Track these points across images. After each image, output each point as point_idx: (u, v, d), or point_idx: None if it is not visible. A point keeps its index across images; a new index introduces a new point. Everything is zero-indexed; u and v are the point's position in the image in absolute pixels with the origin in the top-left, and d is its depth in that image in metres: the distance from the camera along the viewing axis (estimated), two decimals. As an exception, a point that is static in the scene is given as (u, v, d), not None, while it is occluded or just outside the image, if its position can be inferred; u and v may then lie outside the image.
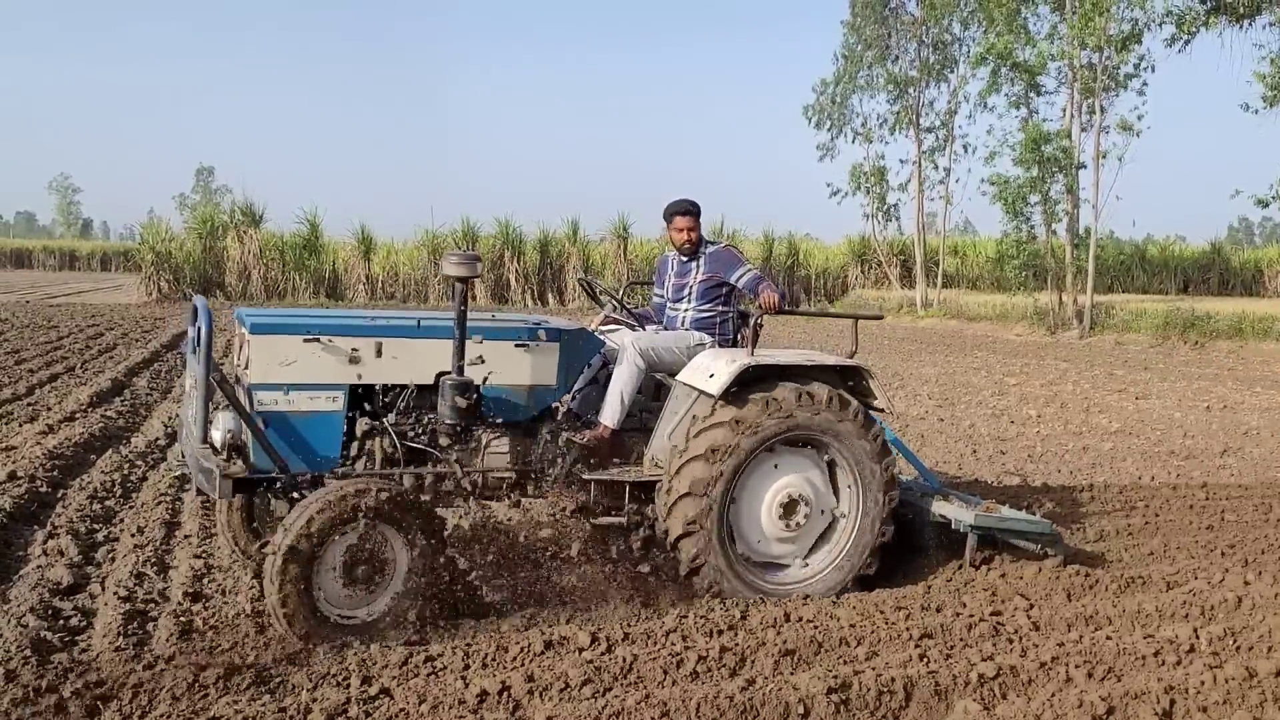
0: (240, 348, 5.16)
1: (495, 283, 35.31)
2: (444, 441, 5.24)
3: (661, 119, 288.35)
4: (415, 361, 5.17)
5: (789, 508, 5.52)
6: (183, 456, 5.39)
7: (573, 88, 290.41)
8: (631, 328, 6.13)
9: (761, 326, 5.90)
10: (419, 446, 5.22)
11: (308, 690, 4.02)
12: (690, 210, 6.07)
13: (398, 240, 37.18)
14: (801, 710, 3.90)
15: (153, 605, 5.16)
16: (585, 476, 5.50)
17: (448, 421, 5.08)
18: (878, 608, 5.11)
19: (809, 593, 5.49)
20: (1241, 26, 23.52)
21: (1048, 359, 20.15)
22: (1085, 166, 26.22)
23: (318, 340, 4.95)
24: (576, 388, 5.94)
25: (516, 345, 5.34)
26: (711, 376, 5.35)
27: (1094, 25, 24.55)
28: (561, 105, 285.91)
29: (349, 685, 4.05)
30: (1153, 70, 25.85)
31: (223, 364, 5.12)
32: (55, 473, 7.59)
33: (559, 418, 5.74)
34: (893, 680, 4.10)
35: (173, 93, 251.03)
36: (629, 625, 4.78)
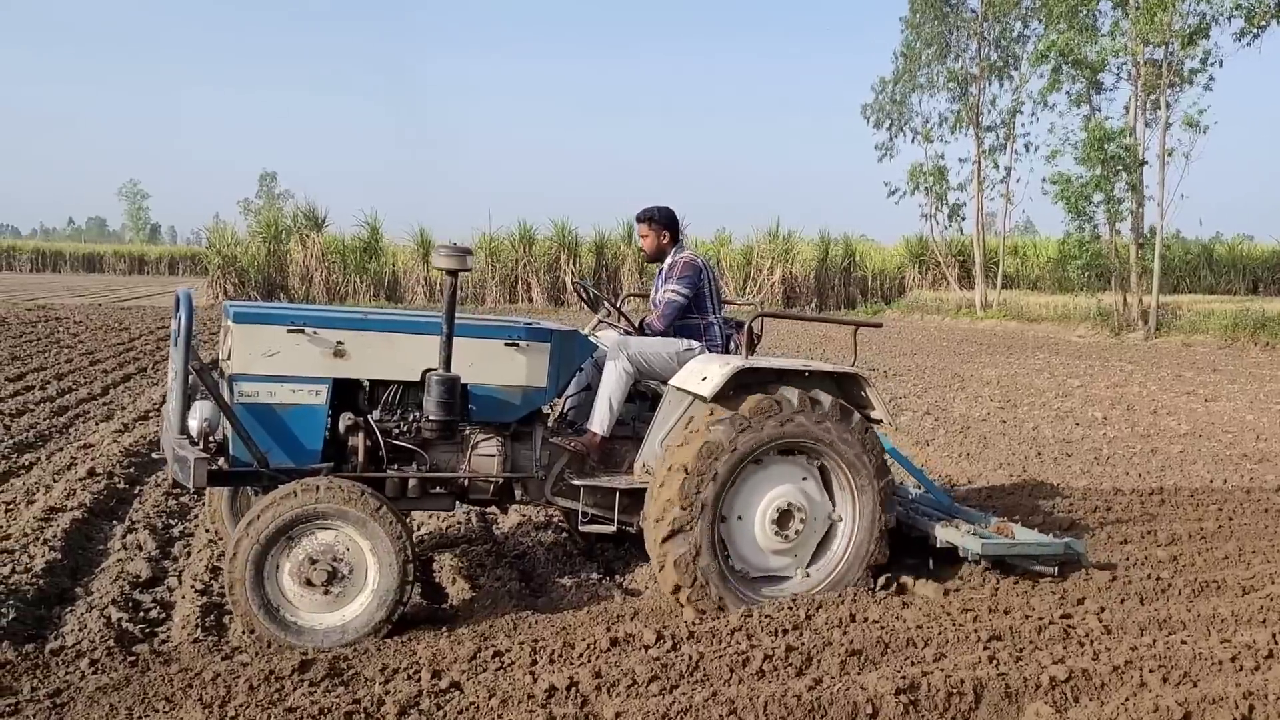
0: (224, 338, 5.06)
1: (551, 285, 35.52)
2: (429, 438, 5.07)
3: (717, 120, 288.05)
4: (402, 357, 5.05)
5: (783, 517, 5.29)
6: (161, 449, 5.28)
7: (632, 88, 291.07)
8: (627, 333, 5.96)
9: (759, 337, 5.70)
10: (404, 445, 5.10)
11: (380, 683, 4.09)
12: (644, 219, 5.95)
13: (455, 243, 37.53)
14: (870, 710, 3.89)
15: (228, 598, 5.28)
16: (574, 483, 5.36)
17: (433, 419, 4.92)
18: (944, 609, 5.06)
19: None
20: (1315, 19, 22.91)
21: (1112, 361, 19.77)
22: (1150, 164, 25.72)
23: (302, 331, 4.83)
24: (570, 393, 5.82)
25: (506, 344, 5.22)
26: (704, 380, 5.17)
27: (1158, 20, 24.05)
28: (619, 105, 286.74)
29: (420, 678, 4.11)
30: (1220, 65, 25.30)
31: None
32: (132, 470, 7.81)
33: (550, 422, 5.61)
34: (962, 682, 4.06)
35: (237, 100, 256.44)
36: (694, 624, 4.79)
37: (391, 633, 4.69)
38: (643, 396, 5.87)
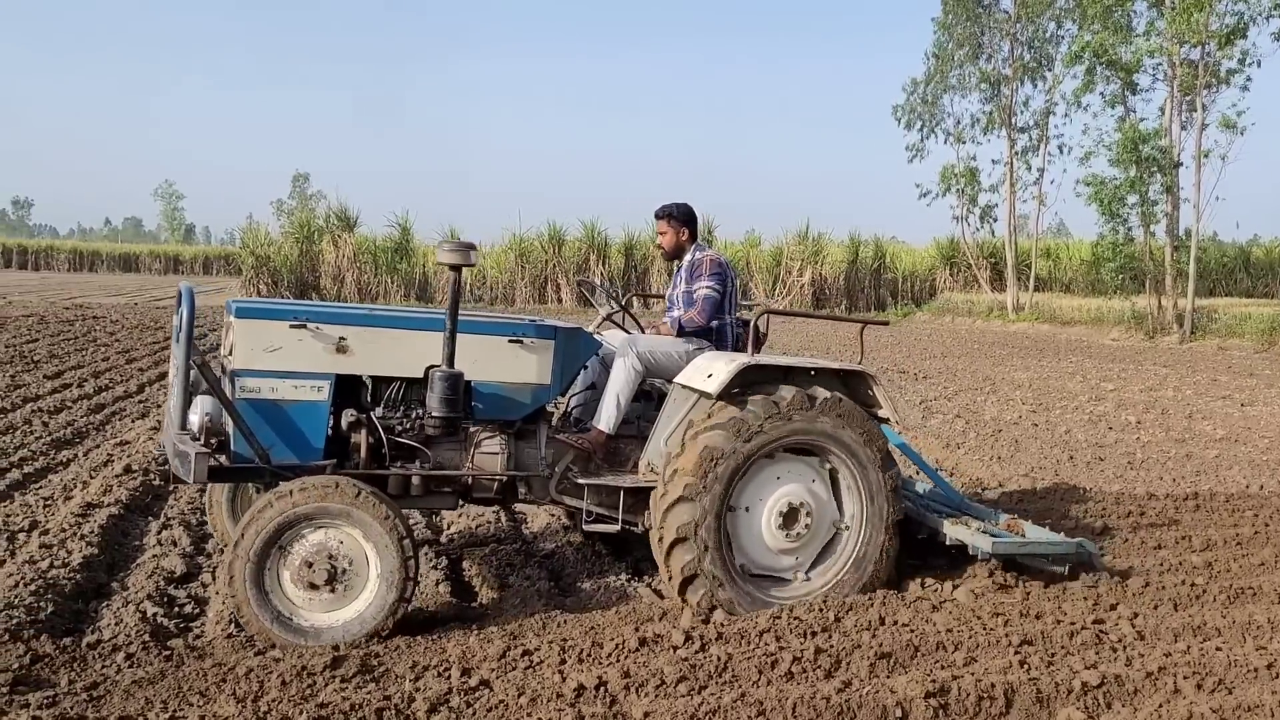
0: (226, 334, 5.03)
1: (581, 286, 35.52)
2: (432, 435, 5.05)
3: (745, 119, 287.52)
4: (405, 353, 5.03)
5: (789, 516, 5.27)
6: (162, 445, 5.31)
7: (655, 90, 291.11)
8: (628, 331, 5.94)
9: (765, 335, 5.58)
10: (406, 442, 5.06)
11: (410, 680, 4.12)
12: (663, 215, 5.95)
13: (485, 243, 37.75)
14: (899, 713, 3.87)
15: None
16: (579, 481, 5.32)
17: (436, 416, 4.91)
18: (974, 613, 5.03)
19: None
20: (1357, 18, 22.54)
21: (1146, 364, 19.54)
22: (1185, 166, 25.43)
23: (304, 327, 4.82)
24: (575, 391, 5.78)
25: (510, 341, 5.19)
26: (709, 377, 5.15)
27: (1195, 20, 23.75)
28: (643, 107, 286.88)
29: (450, 676, 4.13)
30: (1258, 65, 24.98)
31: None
32: (166, 466, 7.89)
33: (555, 421, 5.57)
34: (993, 686, 4.04)
35: (270, 103, 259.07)
36: (722, 625, 4.79)
37: (421, 630, 4.73)
38: (647, 396, 5.84)
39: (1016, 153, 33.63)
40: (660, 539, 5.12)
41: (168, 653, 4.42)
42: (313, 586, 4.54)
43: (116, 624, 4.80)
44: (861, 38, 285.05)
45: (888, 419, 5.57)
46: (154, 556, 5.82)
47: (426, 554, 6.16)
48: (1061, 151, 32.88)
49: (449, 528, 6.81)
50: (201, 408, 4.67)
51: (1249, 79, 25.03)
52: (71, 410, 10.36)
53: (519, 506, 6.84)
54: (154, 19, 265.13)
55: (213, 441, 4.67)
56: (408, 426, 5.09)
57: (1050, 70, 32.90)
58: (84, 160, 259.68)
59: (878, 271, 39.81)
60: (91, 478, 7.50)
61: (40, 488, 7.24)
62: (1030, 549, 5.55)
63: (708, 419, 5.15)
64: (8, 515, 6.44)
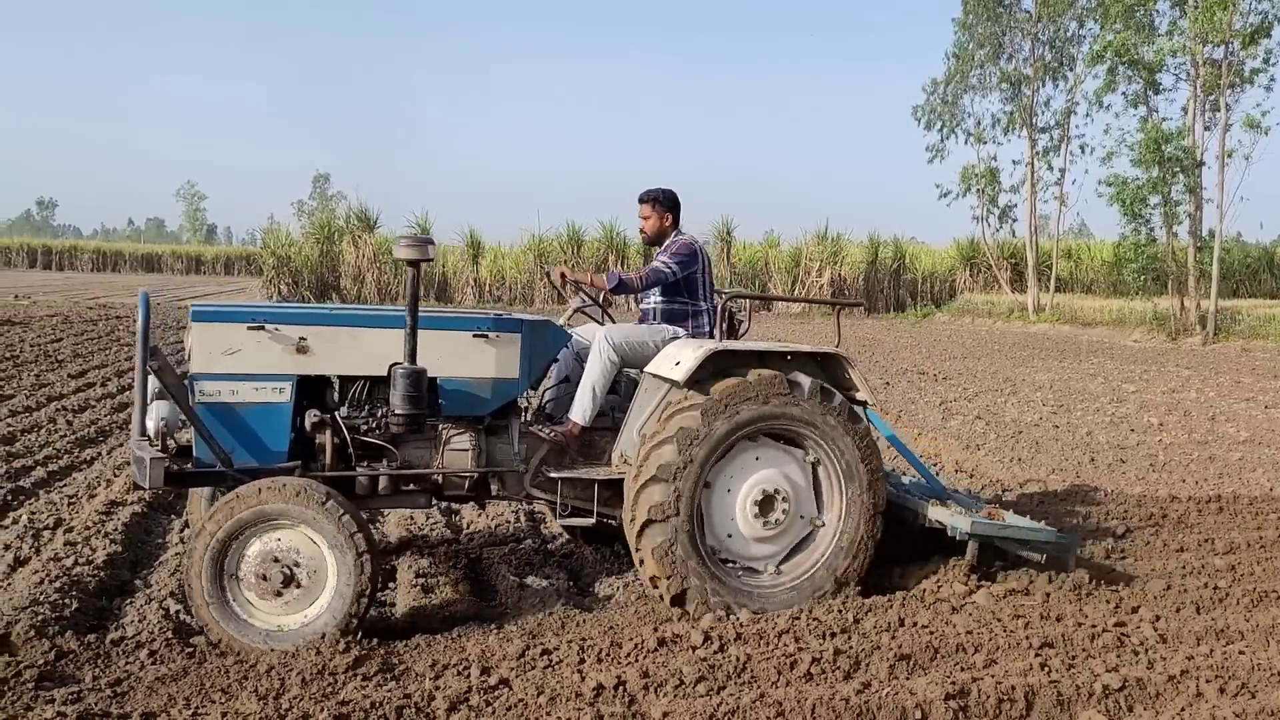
0: (186, 338, 4.95)
1: (600, 286, 35.56)
2: (399, 434, 5.00)
3: (765, 120, 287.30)
4: (366, 351, 4.97)
5: (764, 505, 5.20)
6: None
7: (673, 88, 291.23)
8: (600, 323, 5.91)
9: (742, 322, 5.46)
10: (373, 441, 5.01)
11: (430, 678, 4.14)
12: (645, 200, 5.85)
13: (505, 244, 37.85)
14: (919, 715, 3.86)
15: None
16: (552, 475, 5.25)
17: (400, 413, 4.84)
18: (995, 615, 5.01)
19: (782, 602, 5.11)
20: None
21: (1169, 366, 19.39)
22: (1208, 166, 25.21)
23: (262, 328, 4.78)
24: (548, 385, 5.72)
25: (475, 336, 5.13)
26: (677, 364, 5.07)
27: (1218, 19, 23.56)
28: (661, 106, 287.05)
29: (469, 675, 4.15)
30: (1283, 65, 24.75)
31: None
32: (189, 465, 7.94)
33: (526, 415, 5.52)
34: (1013, 688, 4.03)
35: (290, 103, 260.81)
36: (741, 625, 4.79)
37: (441, 629, 4.77)
38: (618, 385, 5.76)
39: (1037, 153, 33.45)
40: (633, 530, 5.08)
41: (190, 650, 4.46)
42: (279, 593, 4.51)
43: (140, 621, 4.85)
44: (879, 38, 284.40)
45: (865, 401, 5.50)
46: (176, 554, 5.87)
47: (446, 554, 6.20)
48: (1083, 152, 32.65)
49: (468, 527, 6.84)
50: (157, 413, 4.64)
51: (1273, 79, 24.89)
52: (95, 409, 10.46)
53: (538, 505, 6.86)
54: (172, 19, 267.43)
55: (171, 446, 4.64)
56: (373, 425, 5.03)
57: (1072, 70, 32.71)
58: (107, 161, 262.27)
59: (897, 272, 39.67)
60: (115, 476, 7.57)
61: (64, 485, 7.32)
62: (1008, 533, 5.54)
63: (677, 407, 5.07)
64: (33, 513, 6.52)
